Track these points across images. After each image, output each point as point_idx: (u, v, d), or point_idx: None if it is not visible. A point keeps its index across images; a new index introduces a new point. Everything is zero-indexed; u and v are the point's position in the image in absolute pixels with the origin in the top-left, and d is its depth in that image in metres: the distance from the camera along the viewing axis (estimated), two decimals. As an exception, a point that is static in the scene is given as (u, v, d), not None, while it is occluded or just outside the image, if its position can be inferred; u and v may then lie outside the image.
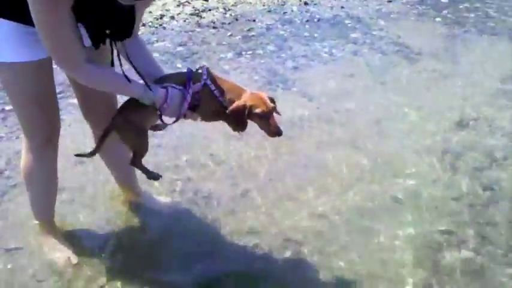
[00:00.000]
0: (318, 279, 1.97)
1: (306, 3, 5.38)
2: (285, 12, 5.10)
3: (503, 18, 5.08)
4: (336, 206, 2.36)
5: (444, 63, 4.00)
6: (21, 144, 1.90)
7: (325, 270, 2.00)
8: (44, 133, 1.82)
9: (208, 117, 1.78)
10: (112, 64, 1.67)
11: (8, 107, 3.10)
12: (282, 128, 1.70)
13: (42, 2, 1.32)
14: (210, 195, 2.42)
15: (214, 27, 4.66)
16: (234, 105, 1.69)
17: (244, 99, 1.69)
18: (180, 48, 4.13)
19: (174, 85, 1.67)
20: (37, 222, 2.09)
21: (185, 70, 1.73)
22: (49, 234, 2.08)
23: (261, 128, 1.74)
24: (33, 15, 1.35)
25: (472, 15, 5.14)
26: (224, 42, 4.32)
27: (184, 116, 1.71)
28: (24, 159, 1.90)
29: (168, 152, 2.72)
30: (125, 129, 1.77)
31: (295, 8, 5.23)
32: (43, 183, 1.98)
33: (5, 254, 2.06)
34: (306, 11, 5.17)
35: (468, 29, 4.76)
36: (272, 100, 1.75)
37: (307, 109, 3.22)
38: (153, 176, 1.94)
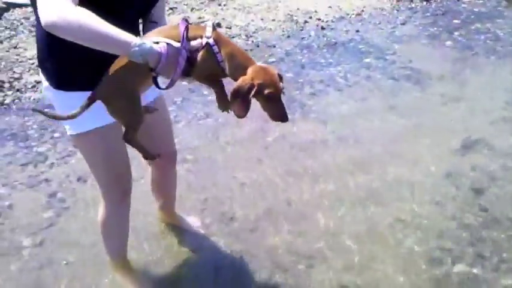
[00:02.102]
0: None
1: (322, 28, 5.70)
2: (303, 38, 5.42)
3: (512, 40, 5.30)
4: (346, 225, 2.65)
5: (452, 87, 4.24)
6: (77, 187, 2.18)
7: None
8: (121, 188, 1.94)
9: (201, 80, 1.52)
10: None
11: (56, 134, 3.50)
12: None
13: None
14: (234, 216, 2.73)
15: (237, 54, 5.00)
16: (239, 81, 1.43)
17: (252, 75, 1.44)
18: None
19: (170, 41, 1.38)
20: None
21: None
22: (123, 271, 2.24)
23: (265, 110, 1.51)
24: None
25: (482, 37, 5.35)
26: (246, 69, 4.64)
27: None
28: (102, 214, 2.02)
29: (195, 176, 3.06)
30: (113, 98, 1.51)
31: (312, 33, 5.54)
32: (119, 231, 2.14)
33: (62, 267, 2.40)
34: (323, 36, 5.48)
35: (477, 52, 4.97)
36: (280, 77, 1.53)
37: (323, 133, 3.54)
38: (150, 155, 1.75)
